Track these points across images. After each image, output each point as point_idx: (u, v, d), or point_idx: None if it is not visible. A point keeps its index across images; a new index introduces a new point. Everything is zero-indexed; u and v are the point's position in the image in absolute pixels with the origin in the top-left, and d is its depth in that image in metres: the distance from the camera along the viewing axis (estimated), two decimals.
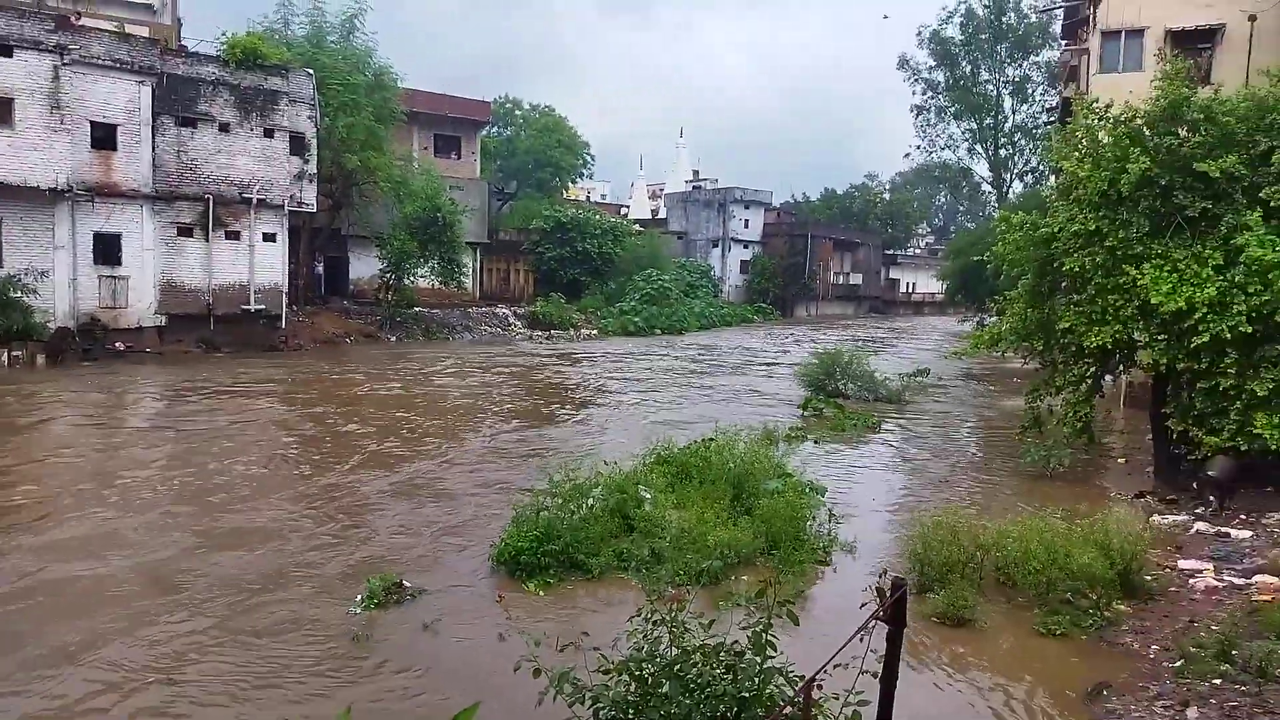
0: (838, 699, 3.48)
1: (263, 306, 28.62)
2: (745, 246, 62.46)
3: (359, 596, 8.96)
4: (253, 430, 16.87)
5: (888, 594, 3.14)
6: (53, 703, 6.77)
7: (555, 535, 9.82)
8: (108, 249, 25.54)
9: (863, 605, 3.84)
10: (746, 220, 62.64)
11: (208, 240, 27.33)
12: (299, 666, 7.58)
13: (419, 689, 7.24)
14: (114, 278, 25.69)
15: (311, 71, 29.91)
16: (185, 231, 27.05)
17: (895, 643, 3.06)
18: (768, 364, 31.46)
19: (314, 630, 8.32)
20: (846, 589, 9.26)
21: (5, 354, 22.70)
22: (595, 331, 41.61)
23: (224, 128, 27.50)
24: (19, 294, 23.07)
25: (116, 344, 25.50)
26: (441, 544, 10.78)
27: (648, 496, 11.22)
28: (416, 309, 36.24)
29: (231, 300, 28.00)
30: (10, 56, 23.34)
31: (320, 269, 37.87)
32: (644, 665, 3.82)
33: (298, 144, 29.46)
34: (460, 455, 15.31)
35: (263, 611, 8.65)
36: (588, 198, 75.17)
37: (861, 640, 3.21)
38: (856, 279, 68.76)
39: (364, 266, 38.50)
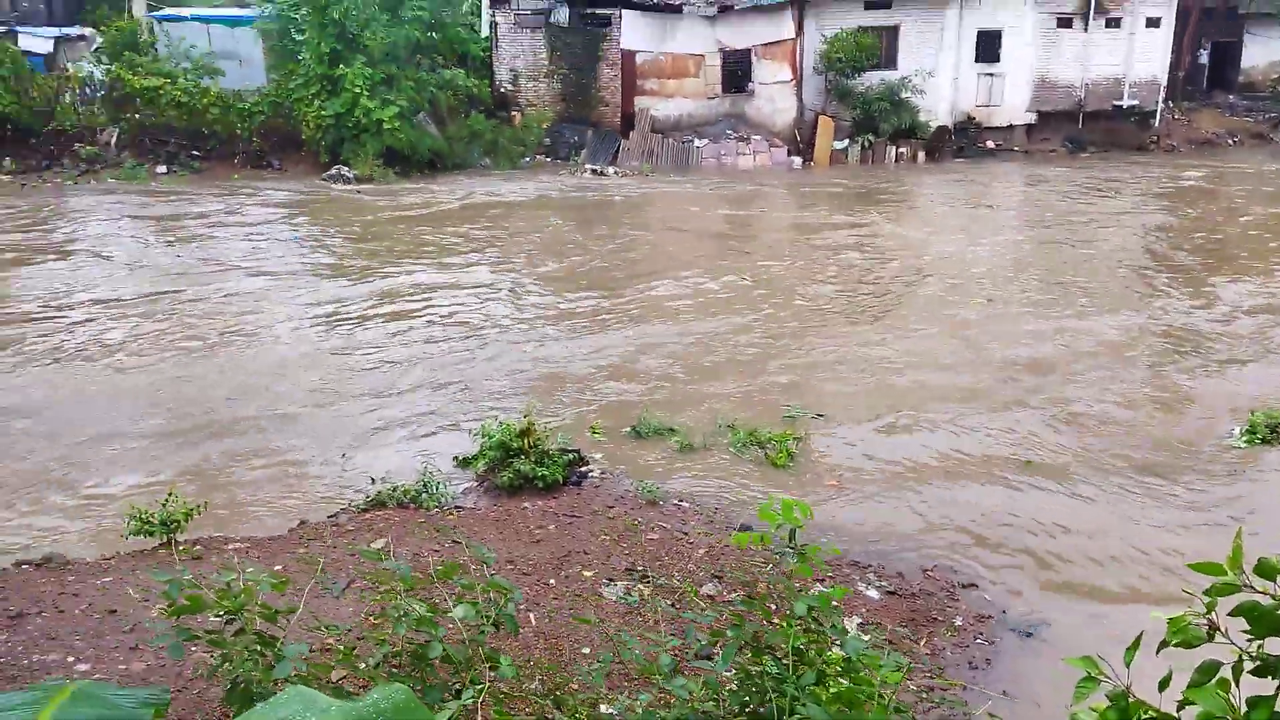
0: None
1: (1135, 102, 26.41)
2: None
3: (1236, 430, 8.04)
4: (1110, 237, 16.07)
5: None
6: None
7: None
8: (988, 46, 26.28)
9: None
10: None
11: (1086, 30, 25.95)
12: (1165, 490, 7.23)
13: None
14: (991, 75, 26.50)
15: None
16: (1064, 22, 26.10)
17: None
18: None
19: (1183, 452, 7.80)
20: None
21: (893, 150, 25.74)
22: None
23: None
24: (909, 94, 25.56)
25: (987, 142, 26.66)
26: None
27: None
28: None
29: (1102, 96, 26.47)
30: None
31: (1204, 58, 32.85)
32: None
33: None
34: None
35: (1135, 434, 8.40)
36: None
37: None
38: None
39: (1261, 52, 32.05)
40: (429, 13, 23.32)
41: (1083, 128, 26.79)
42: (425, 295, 11.90)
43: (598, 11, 26.47)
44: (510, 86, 27.23)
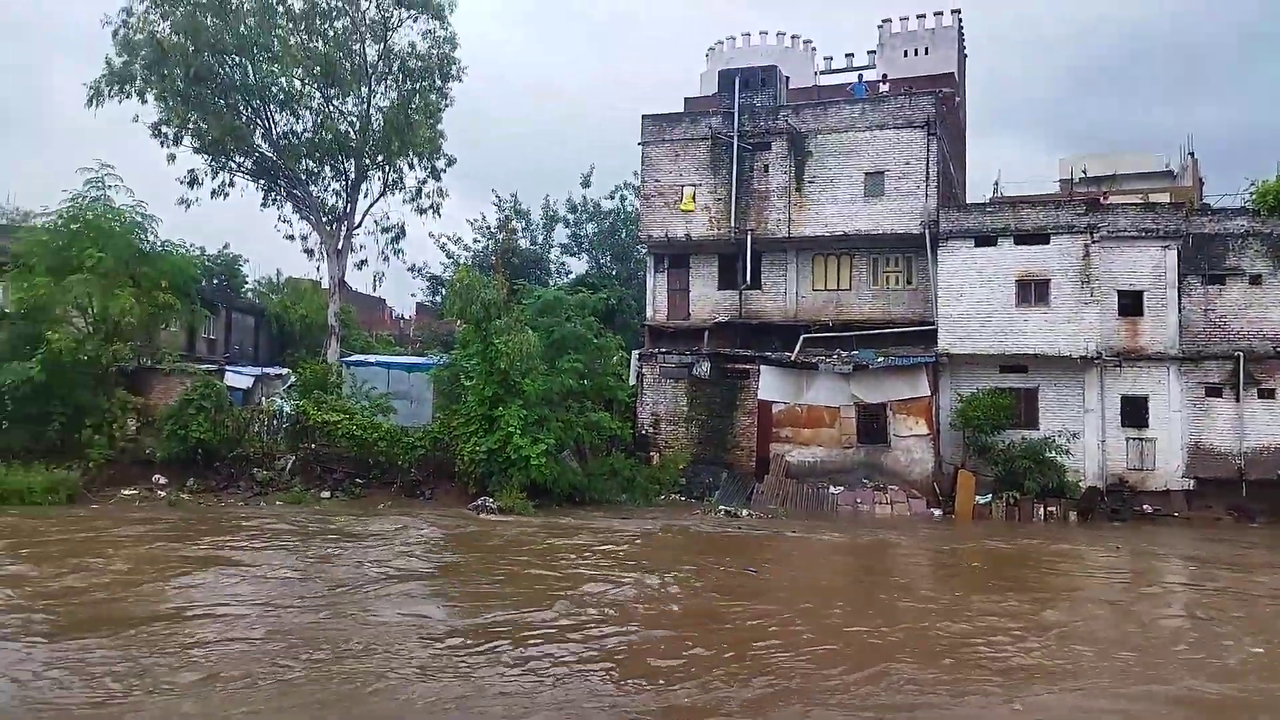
0: None
1: None
2: None
3: None
4: None
5: None
6: None
7: None
8: (1134, 411, 26.06)
9: None
10: None
11: (1238, 400, 25.49)
12: None
13: None
14: (1140, 440, 25.97)
15: None
16: (1213, 391, 25.80)
17: None
18: None
19: None
20: None
21: (1041, 509, 24.86)
22: None
23: (1254, 280, 25.70)
24: (1054, 454, 25.19)
25: (1144, 506, 25.44)
26: None
27: None
28: None
29: (1266, 464, 25.23)
30: (1048, 243, 26.48)
31: None
32: None
33: None
34: None
35: None
36: None
37: None
38: None
39: None
40: (583, 365, 25.39)
41: (1247, 496, 25.34)
42: (555, 634, 11.45)
43: (737, 366, 28.22)
44: (651, 429, 28.63)
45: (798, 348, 27.91)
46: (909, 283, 28.90)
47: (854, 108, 29.62)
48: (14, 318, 24.01)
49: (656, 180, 30.72)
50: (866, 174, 28.60)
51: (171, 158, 31.00)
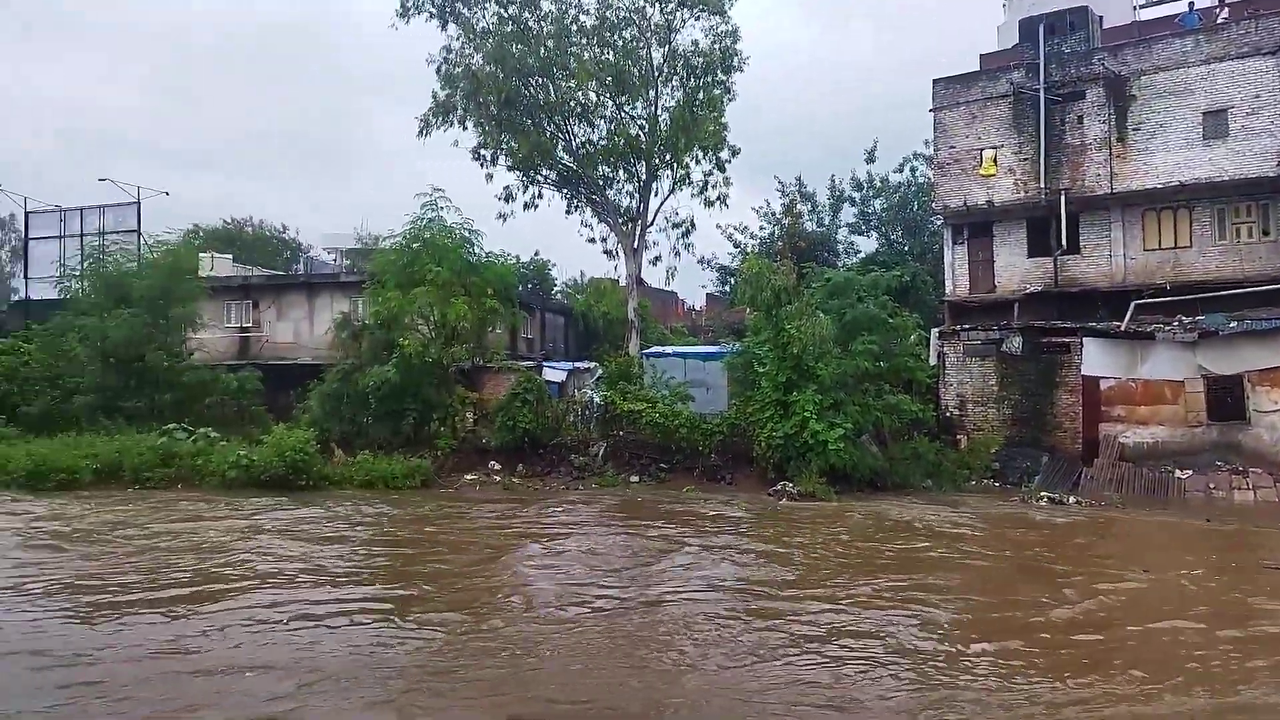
0: None
1: None
2: None
3: None
4: None
5: None
6: None
7: None
8: None
9: None
10: None
11: None
12: None
13: None
14: None
15: None
16: None
17: None
18: None
19: None
20: None
21: None
22: None
23: None
24: None
25: None
26: None
27: None
28: None
29: None
30: None
31: None
32: None
33: None
34: None
35: None
36: None
37: None
38: None
39: None
40: (878, 346, 24.57)
41: None
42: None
43: (1054, 340, 25.86)
44: (956, 411, 27.10)
45: (1128, 316, 24.96)
46: (1265, 234, 24.82)
47: (1185, 40, 25.93)
48: (373, 328, 27.79)
49: (951, 146, 28.94)
50: (1205, 114, 24.94)
51: (489, 177, 34.31)
